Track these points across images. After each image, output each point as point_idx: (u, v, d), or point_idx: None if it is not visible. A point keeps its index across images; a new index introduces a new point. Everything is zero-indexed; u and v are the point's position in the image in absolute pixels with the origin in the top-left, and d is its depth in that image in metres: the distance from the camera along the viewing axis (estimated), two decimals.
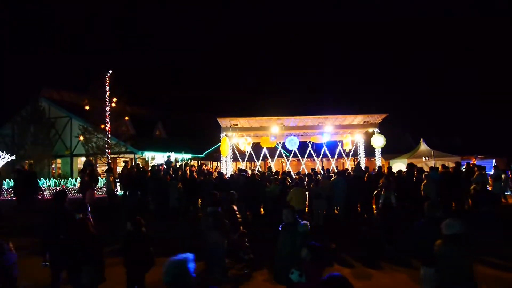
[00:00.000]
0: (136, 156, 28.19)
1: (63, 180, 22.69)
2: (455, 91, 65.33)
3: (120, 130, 24.75)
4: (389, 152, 22.80)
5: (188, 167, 17.01)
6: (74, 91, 32.96)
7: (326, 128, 19.40)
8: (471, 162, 18.75)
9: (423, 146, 23.45)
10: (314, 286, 4.19)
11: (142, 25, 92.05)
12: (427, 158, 21.71)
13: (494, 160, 26.57)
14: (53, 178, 26.04)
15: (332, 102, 51.26)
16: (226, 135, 19.55)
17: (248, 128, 19.89)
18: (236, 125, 19.62)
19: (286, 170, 19.58)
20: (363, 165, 21.44)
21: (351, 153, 23.06)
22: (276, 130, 19.34)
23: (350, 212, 14.03)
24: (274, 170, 17.73)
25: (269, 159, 23.80)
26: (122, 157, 29.30)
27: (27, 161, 24.99)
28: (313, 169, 18.78)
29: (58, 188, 21.59)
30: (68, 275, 6.05)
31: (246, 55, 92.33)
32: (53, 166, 30.79)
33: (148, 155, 28.54)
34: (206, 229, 7.67)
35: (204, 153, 35.99)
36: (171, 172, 15.92)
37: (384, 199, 9.86)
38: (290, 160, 23.55)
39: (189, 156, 32.12)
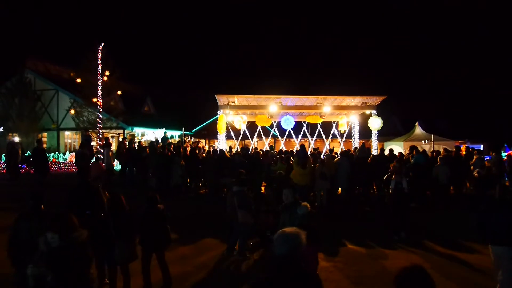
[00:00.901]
0: (126, 131, 27.69)
1: (53, 154, 22.11)
2: (440, 75, 66.01)
3: (112, 105, 24.12)
4: (380, 134, 22.89)
5: (188, 144, 16.77)
6: (61, 63, 31.99)
7: (325, 109, 19.34)
8: (462, 146, 19.08)
9: (419, 130, 23.66)
10: (311, 269, 4.17)
11: None
12: (426, 141, 21.93)
13: (481, 145, 27.14)
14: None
15: (328, 82, 50.78)
16: (223, 113, 19.32)
17: (245, 106, 19.66)
18: (234, 102, 19.36)
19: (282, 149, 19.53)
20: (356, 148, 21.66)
21: (345, 135, 23.12)
22: (274, 109, 19.17)
23: (353, 193, 14.15)
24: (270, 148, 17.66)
25: (264, 138, 23.69)
26: (109, 132, 28.76)
27: (39, 135, 24.26)
28: (315, 149, 18.74)
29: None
30: (97, 252, 5.87)
31: (242, 29, 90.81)
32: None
33: (138, 131, 28.06)
34: (231, 209, 7.56)
35: (193, 130, 35.66)
36: (171, 148, 15.69)
37: (395, 184, 9.63)
38: (284, 140, 23.47)
39: (178, 133, 31.75)
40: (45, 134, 29.80)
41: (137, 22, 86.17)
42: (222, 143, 19.86)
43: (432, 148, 19.52)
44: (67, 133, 30.31)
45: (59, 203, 6.36)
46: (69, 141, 30.86)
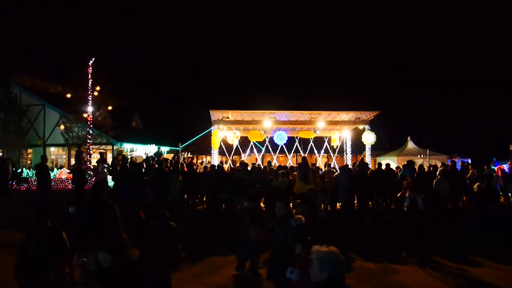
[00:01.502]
0: (115, 147, 27.29)
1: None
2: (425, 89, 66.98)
3: (101, 120, 23.75)
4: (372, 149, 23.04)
5: (187, 159, 16.59)
6: (49, 78, 31.53)
7: (319, 124, 19.40)
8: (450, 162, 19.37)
9: (411, 144, 23.92)
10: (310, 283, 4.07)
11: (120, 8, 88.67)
12: (421, 156, 22.14)
13: (469, 160, 27.53)
14: (26, 169, 24.82)
15: (321, 97, 51.02)
16: (217, 128, 19.21)
17: (240, 121, 19.58)
18: (228, 117, 19.27)
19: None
20: (349, 162, 21.74)
21: (337, 150, 23.19)
22: (269, 124, 19.16)
23: (352, 208, 14.10)
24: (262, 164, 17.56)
25: (256, 154, 23.58)
26: (98, 148, 28.30)
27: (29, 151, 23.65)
28: (313, 164, 18.71)
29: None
30: None
31: (234, 44, 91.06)
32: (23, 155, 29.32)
33: (126, 146, 27.68)
34: (243, 225, 7.41)
35: (181, 146, 35.31)
36: (168, 164, 15.47)
37: (410, 201, 9.17)
38: (276, 156, 23.40)
39: (167, 148, 31.41)
40: (30, 150, 29.16)
41: (124, 35, 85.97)
42: (215, 159, 19.70)
43: (428, 163, 19.70)
44: (52, 149, 29.70)
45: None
46: (54, 157, 30.21)
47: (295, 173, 13.65)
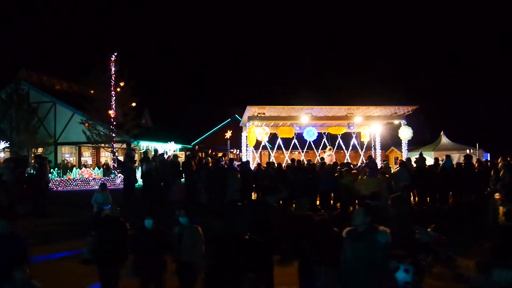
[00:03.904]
0: (132, 146, 26.43)
1: (68, 170, 20.69)
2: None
3: (124, 118, 22.94)
4: (397, 145, 22.82)
5: (225, 157, 15.99)
6: (57, 74, 30.42)
7: (356, 119, 18.97)
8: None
9: (445, 139, 23.75)
10: None
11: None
12: (458, 151, 21.85)
13: (488, 154, 27.54)
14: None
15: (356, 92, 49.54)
16: (252, 124, 18.62)
17: (275, 117, 19.06)
18: (263, 114, 18.70)
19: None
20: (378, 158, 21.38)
21: (365, 146, 22.84)
22: (306, 120, 18.65)
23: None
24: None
25: (284, 151, 23.04)
26: (107, 147, 27.43)
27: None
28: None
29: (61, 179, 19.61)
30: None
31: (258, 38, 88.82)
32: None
33: (143, 144, 26.85)
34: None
35: (192, 143, 34.60)
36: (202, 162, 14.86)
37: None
38: (304, 152, 22.89)
39: (179, 146, 30.68)
40: (40, 149, 28.08)
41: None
42: (250, 156, 19.15)
43: (477, 157, 19.45)
44: (63, 148, 28.71)
45: None
46: (66, 156, 29.21)
47: (354, 171, 13.27)
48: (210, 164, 14.49)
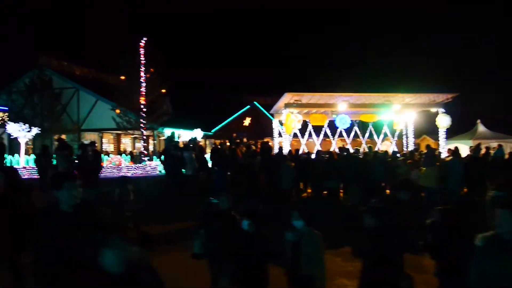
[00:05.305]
0: (156, 132, 26.20)
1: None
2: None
3: (155, 104, 22.59)
4: (430, 133, 22.52)
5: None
6: (78, 60, 30.07)
7: (394, 106, 18.67)
8: None
9: (482, 128, 23.42)
10: None
11: None
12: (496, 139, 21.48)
13: None
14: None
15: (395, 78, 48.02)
16: (289, 112, 18.35)
17: (312, 104, 18.78)
18: (300, 101, 18.41)
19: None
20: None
21: (396, 134, 22.57)
22: (344, 107, 18.36)
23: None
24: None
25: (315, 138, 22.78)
26: (128, 133, 27.12)
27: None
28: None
29: None
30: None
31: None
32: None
33: (166, 131, 26.53)
34: None
35: (212, 130, 34.30)
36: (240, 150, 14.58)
37: None
38: (336, 139, 22.63)
39: (201, 133, 30.38)
40: (64, 136, 27.81)
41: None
42: (287, 145, 18.89)
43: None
44: (86, 134, 28.42)
45: None
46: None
47: (410, 161, 13.02)
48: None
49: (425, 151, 17.54)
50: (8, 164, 16.88)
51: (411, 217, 5.28)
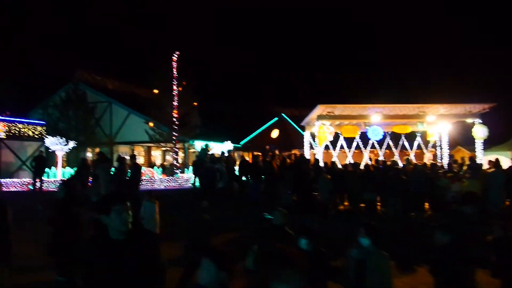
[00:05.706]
0: (186, 145, 26.47)
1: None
2: None
3: (187, 117, 22.95)
4: (466, 144, 21.99)
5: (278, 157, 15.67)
6: (111, 74, 30.87)
7: (428, 118, 18.35)
8: None
9: None
10: None
11: None
12: None
13: None
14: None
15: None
16: (322, 124, 18.27)
17: (345, 116, 18.64)
18: (333, 112, 18.30)
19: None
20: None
21: (429, 145, 22.13)
22: (377, 118, 18.16)
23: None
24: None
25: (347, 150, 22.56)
26: (159, 146, 27.41)
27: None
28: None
29: None
30: None
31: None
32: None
33: (197, 144, 26.80)
34: None
35: (241, 142, 34.45)
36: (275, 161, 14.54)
37: None
38: (368, 151, 22.32)
39: (232, 146, 30.53)
40: (97, 149, 28.46)
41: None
42: (320, 156, 18.76)
43: None
44: (119, 147, 29.01)
45: None
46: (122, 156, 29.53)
47: (450, 174, 12.73)
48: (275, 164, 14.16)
49: (460, 162, 17.31)
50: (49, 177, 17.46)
51: (476, 231, 5.11)
